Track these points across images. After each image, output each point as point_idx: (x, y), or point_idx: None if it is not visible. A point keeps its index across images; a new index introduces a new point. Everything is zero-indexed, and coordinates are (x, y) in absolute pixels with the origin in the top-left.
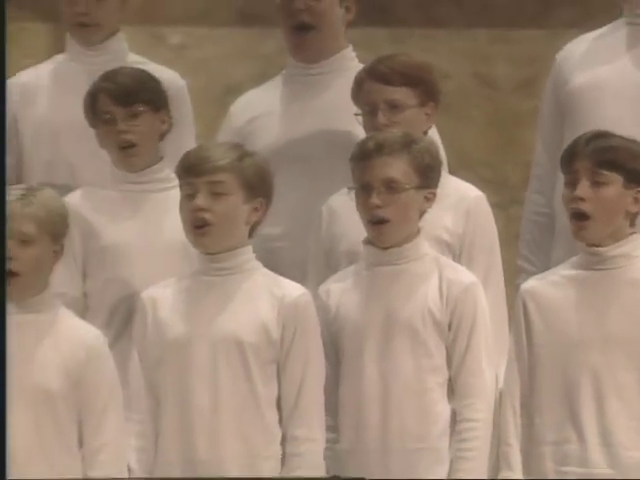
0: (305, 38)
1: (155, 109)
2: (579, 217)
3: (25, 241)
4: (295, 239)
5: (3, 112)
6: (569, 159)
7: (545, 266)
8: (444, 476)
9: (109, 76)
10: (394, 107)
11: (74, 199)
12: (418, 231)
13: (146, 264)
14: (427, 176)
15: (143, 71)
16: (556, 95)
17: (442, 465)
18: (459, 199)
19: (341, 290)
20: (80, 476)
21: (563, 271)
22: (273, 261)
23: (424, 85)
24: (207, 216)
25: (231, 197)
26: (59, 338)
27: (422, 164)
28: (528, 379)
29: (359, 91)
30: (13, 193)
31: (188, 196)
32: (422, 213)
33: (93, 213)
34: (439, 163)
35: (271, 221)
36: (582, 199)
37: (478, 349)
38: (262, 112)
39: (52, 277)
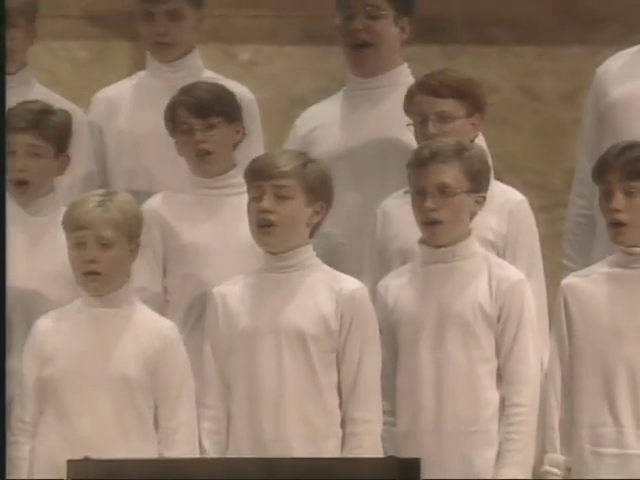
0: (363, 55)
1: (229, 120)
2: (616, 225)
3: (105, 244)
4: (352, 237)
5: (3, 112)
6: (601, 171)
7: (586, 264)
8: (493, 458)
9: (187, 90)
10: (443, 118)
11: (155, 203)
12: (469, 232)
13: (220, 262)
14: (477, 181)
15: (219, 85)
16: (596, 107)
17: (491, 447)
18: (503, 202)
19: (398, 286)
20: (155, 456)
21: (601, 268)
22: (333, 257)
23: (471, 98)
24: (272, 217)
25: (294, 200)
26: (137, 330)
27: (473, 170)
28: (568, 367)
29: (411, 103)
30: (92, 199)
31: (255, 199)
32: (473, 215)
33: (172, 215)
34: (488, 169)
35: (331, 221)
36: (617, 210)
37: (525, 340)
38: (324, 123)
39: (135, 274)
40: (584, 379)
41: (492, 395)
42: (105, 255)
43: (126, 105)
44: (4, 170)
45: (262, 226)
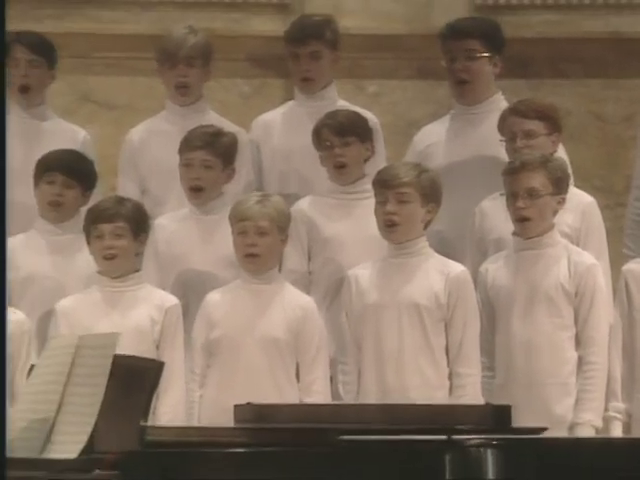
0: (463, 90)
1: (362, 140)
2: None
3: (262, 233)
4: (457, 231)
5: (3, 110)
6: None
7: None
8: (572, 405)
9: (331, 115)
10: (529, 135)
11: (303, 204)
12: (552, 226)
13: (353, 251)
14: (559, 186)
15: (356, 112)
16: None
17: (570, 396)
18: (577, 203)
19: (495, 268)
20: (297, 401)
21: None
22: (442, 247)
23: (551, 119)
24: (395, 218)
25: (412, 204)
26: (284, 302)
27: (555, 177)
28: (628, 333)
29: (504, 124)
30: (252, 198)
31: (380, 202)
32: (555, 213)
33: (316, 214)
34: (568, 176)
35: (440, 218)
36: None
37: (597, 311)
38: (435, 141)
39: (286, 259)
40: None
41: (571, 355)
42: (262, 241)
43: (278, 127)
44: (4, 171)
45: (387, 225)
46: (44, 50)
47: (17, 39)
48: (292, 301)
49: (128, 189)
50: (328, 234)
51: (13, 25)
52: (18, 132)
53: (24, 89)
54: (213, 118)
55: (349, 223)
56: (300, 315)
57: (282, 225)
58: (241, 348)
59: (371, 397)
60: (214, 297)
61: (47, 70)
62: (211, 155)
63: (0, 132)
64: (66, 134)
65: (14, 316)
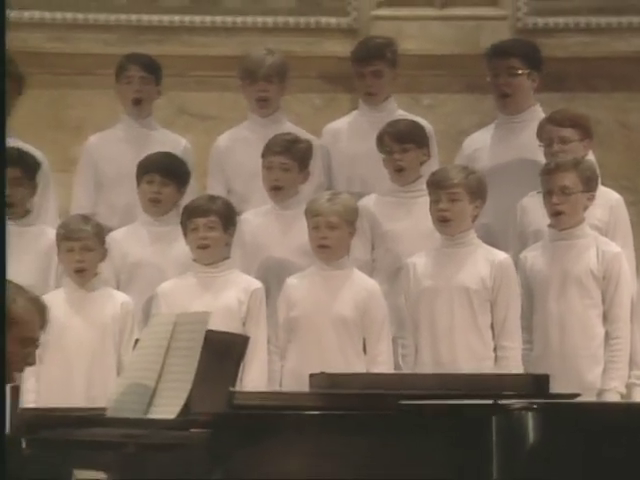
0: (506, 102)
1: (419, 146)
2: None
3: (332, 227)
4: (501, 225)
5: (3, 110)
6: None
7: None
8: (600, 373)
9: (392, 124)
10: (564, 141)
11: (368, 202)
12: (583, 219)
13: (410, 242)
14: (589, 184)
15: (414, 122)
16: None
17: (599, 365)
18: (606, 200)
19: (533, 256)
20: (364, 371)
21: None
22: (489, 238)
23: (582, 128)
24: (447, 214)
25: (462, 202)
26: (352, 285)
27: (585, 176)
28: None
29: (542, 131)
30: (324, 197)
31: (434, 201)
32: (585, 208)
33: (379, 210)
34: (596, 176)
35: (486, 213)
36: None
37: (622, 293)
38: (481, 146)
39: (354, 249)
40: None
41: (599, 330)
42: (332, 234)
43: (345, 134)
44: (4, 173)
45: (441, 221)
46: (153, 69)
47: (130, 59)
48: (359, 284)
49: (216, 189)
50: (388, 228)
51: (119, 49)
52: (130, 139)
53: (137, 102)
54: (289, 127)
55: (407, 218)
56: (366, 296)
57: (350, 219)
58: (316, 325)
59: (427, 368)
60: (293, 281)
61: (155, 86)
62: (289, 159)
63: (0, 132)
64: (169, 142)
65: (120, 297)
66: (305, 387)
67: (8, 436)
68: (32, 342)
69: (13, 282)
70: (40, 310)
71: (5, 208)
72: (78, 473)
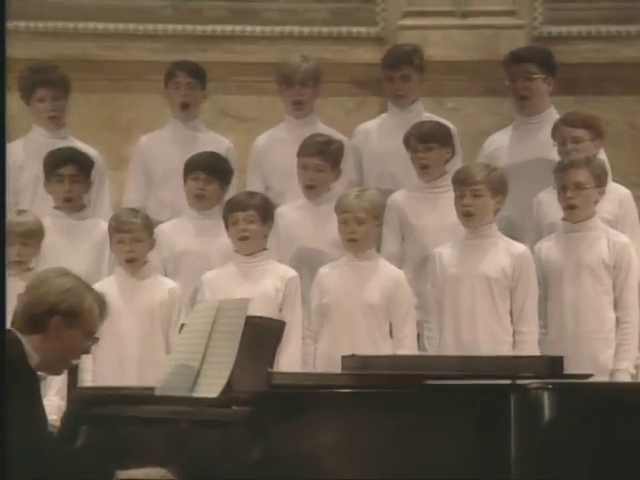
0: (523, 104)
1: (442, 145)
2: None
3: (359, 222)
4: (519, 218)
5: (3, 114)
6: None
7: None
8: (611, 355)
9: (417, 126)
10: (576, 141)
11: (398, 197)
12: (594, 213)
13: (436, 234)
14: (600, 180)
15: (438, 123)
16: None
17: (610, 348)
18: (616, 194)
19: (548, 246)
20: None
21: None
22: (508, 231)
23: (594, 128)
24: (471, 209)
25: (484, 197)
26: (379, 274)
27: (597, 173)
28: None
29: (556, 131)
30: (352, 193)
31: (459, 197)
32: (596, 202)
33: (407, 205)
34: (606, 173)
35: (506, 208)
36: None
37: (631, 281)
38: (501, 146)
39: (385, 241)
40: None
41: (611, 315)
42: (359, 229)
43: (375, 135)
44: (4, 174)
45: (465, 215)
46: (199, 75)
47: (178, 66)
48: (386, 273)
49: (255, 185)
50: (416, 221)
51: (166, 56)
52: (177, 140)
53: (184, 106)
54: (322, 128)
55: (432, 212)
56: (392, 285)
57: (376, 214)
58: (346, 311)
59: (450, 349)
60: (325, 271)
61: (200, 91)
62: (322, 160)
63: (0, 133)
64: (214, 143)
65: (168, 284)
66: (336, 368)
67: (65, 412)
68: (93, 336)
69: (81, 279)
70: (103, 307)
71: (5, 209)
72: (120, 474)
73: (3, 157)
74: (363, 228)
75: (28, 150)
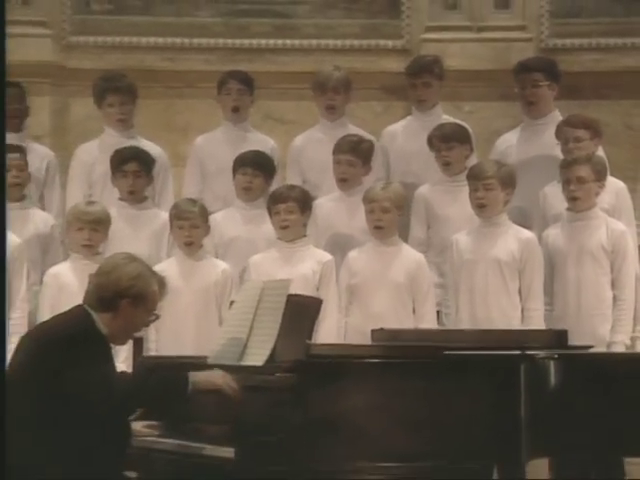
0: (530, 109)
1: (462, 143)
2: None
3: (385, 211)
4: (528, 208)
5: (3, 112)
6: None
7: None
8: (609, 328)
9: (439, 127)
10: (578, 140)
11: (423, 189)
12: (595, 204)
13: (456, 223)
14: (600, 175)
15: (458, 124)
16: None
17: (608, 323)
18: (613, 187)
19: (554, 234)
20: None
21: None
22: (518, 219)
23: (593, 129)
24: (483, 201)
25: (495, 191)
26: (402, 258)
27: (596, 169)
28: None
29: (560, 132)
30: (378, 186)
31: (473, 190)
32: (597, 194)
33: (432, 197)
34: (605, 169)
35: (516, 199)
36: None
37: (627, 263)
38: (510, 144)
39: (412, 229)
40: None
41: (609, 294)
42: (385, 217)
43: (400, 135)
44: (4, 172)
45: (478, 207)
46: (248, 82)
47: (230, 75)
48: (408, 257)
49: (293, 179)
50: (440, 211)
51: (217, 67)
52: (229, 140)
53: (235, 110)
54: (352, 129)
55: (454, 204)
56: (414, 266)
57: (399, 204)
58: (373, 290)
59: (465, 324)
60: (353, 254)
61: (249, 96)
62: (354, 157)
63: (0, 134)
64: (261, 142)
65: (222, 265)
66: (366, 340)
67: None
68: (155, 313)
69: (147, 264)
70: (163, 288)
71: (5, 207)
72: (192, 375)
73: (3, 157)
74: (388, 216)
75: (101, 149)
